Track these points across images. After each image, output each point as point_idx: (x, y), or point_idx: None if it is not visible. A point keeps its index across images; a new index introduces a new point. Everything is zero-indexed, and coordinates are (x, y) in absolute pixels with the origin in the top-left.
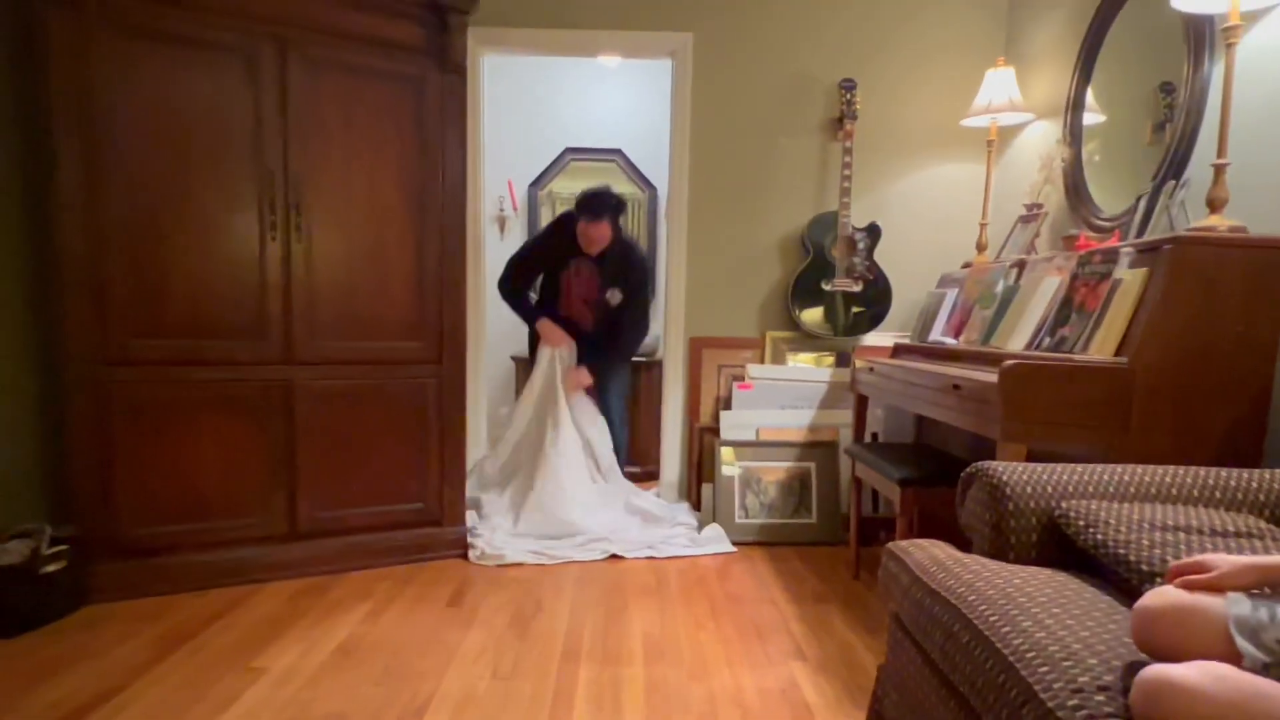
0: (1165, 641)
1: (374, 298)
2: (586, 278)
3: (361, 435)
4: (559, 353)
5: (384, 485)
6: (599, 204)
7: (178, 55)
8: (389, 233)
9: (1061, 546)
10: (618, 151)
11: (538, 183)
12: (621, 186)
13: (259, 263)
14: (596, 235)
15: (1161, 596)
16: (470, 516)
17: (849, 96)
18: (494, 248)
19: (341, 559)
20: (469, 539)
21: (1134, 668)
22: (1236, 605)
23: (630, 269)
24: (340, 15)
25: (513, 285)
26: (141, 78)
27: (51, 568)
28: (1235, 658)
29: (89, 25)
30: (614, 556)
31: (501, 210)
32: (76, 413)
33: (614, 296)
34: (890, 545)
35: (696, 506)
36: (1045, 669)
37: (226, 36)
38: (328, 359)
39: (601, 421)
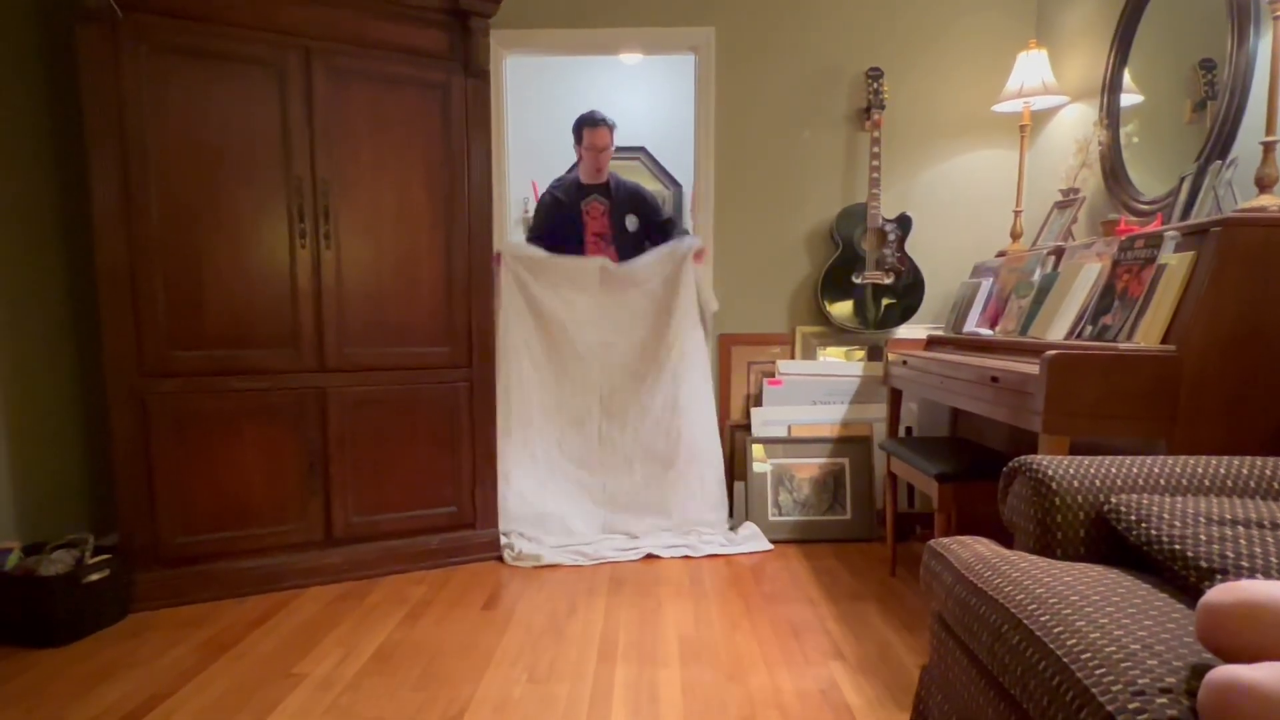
0: (1234, 640)
1: (403, 303)
2: (600, 214)
3: (394, 440)
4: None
5: (417, 489)
6: (590, 114)
7: (207, 69)
8: (417, 238)
9: (1110, 542)
10: (641, 149)
11: None
12: (647, 184)
13: (290, 271)
14: (600, 143)
15: (1231, 592)
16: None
17: (876, 85)
18: None
19: (377, 564)
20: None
21: (1199, 669)
22: None
23: (642, 199)
24: (364, 25)
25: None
26: (172, 92)
27: (95, 577)
28: None
29: (121, 41)
30: (649, 556)
31: (527, 212)
32: (118, 424)
33: (631, 222)
34: (932, 543)
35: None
36: (1102, 670)
37: (254, 49)
38: (359, 366)
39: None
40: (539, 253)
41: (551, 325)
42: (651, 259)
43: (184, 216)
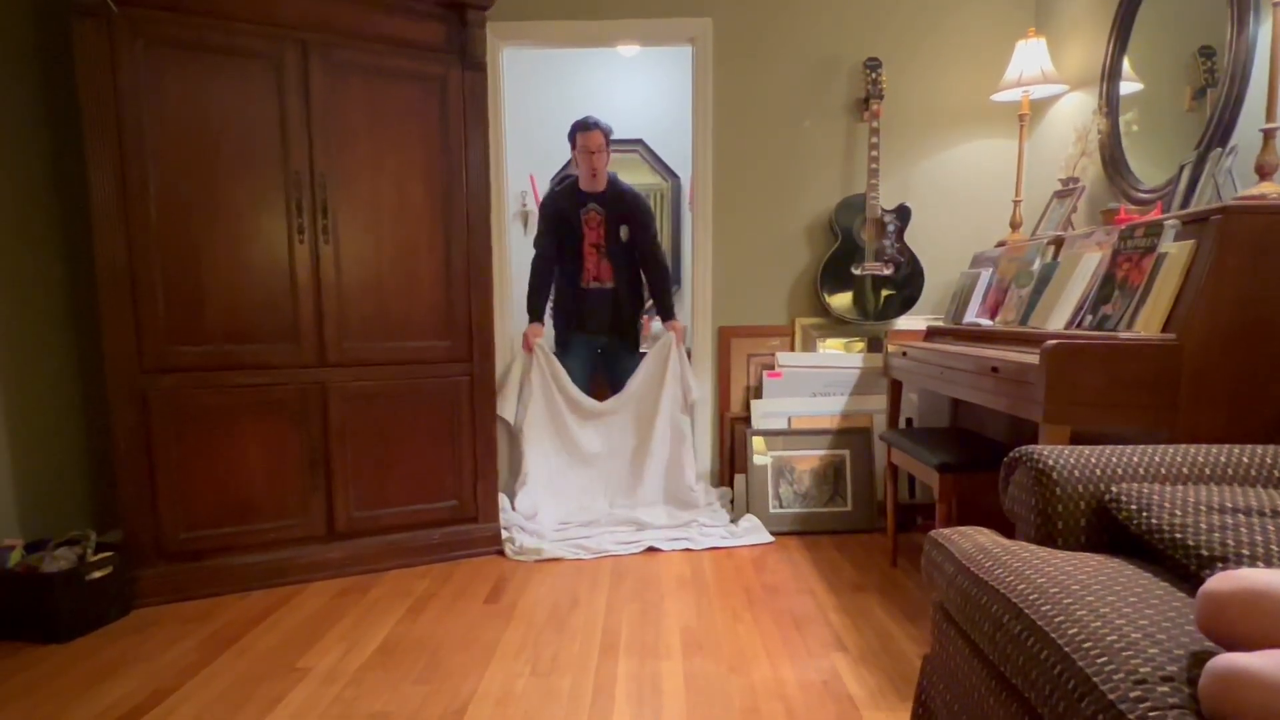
0: (1235, 628)
1: (403, 297)
2: (596, 223)
3: (395, 435)
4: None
5: (419, 484)
6: (584, 119)
7: (204, 63)
8: (415, 232)
9: (1111, 532)
10: (639, 142)
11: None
12: (645, 177)
13: (289, 266)
14: (593, 145)
15: (1231, 580)
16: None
17: (874, 75)
18: (518, 244)
19: (380, 558)
20: (503, 534)
21: (1200, 657)
22: None
23: (634, 210)
24: (362, 18)
25: (545, 265)
26: (170, 86)
27: (98, 573)
28: None
29: (117, 36)
30: (651, 549)
31: (525, 205)
32: (119, 421)
33: (624, 232)
34: (933, 533)
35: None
36: (1104, 659)
37: (252, 43)
38: (359, 360)
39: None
40: (559, 368)
41: (562, 424)
42: (640, 378)
43: (182, 211)
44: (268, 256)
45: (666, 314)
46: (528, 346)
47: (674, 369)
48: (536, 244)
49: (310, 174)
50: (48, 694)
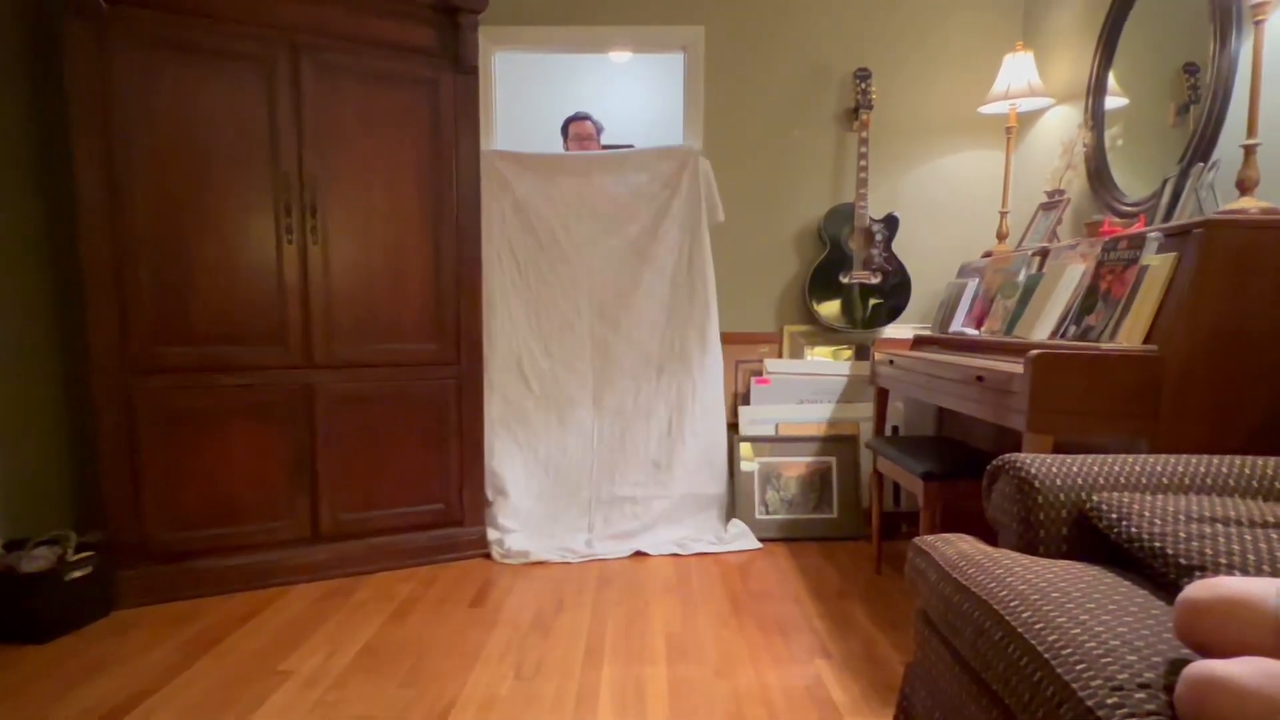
0: (1212, 636)
1: (391, 300)
2: None
3: (382, 437)
4: None
5: (405, 486)
6: (575, 112)
7: (194, 64)
8: (405, 234)
9: (1093, 540)
10: (630, 147)
11: None
12: None
13: (277, 267)
14: (585, 132)
15: (1208, 588)
16: None
17: (864, 86)
18: None
19: (365, 561)
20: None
21: (1177, 664)
22: None
23: None
24: (354, 21)
25: None
26: (159, 87)
27: (78, 573)
28: None
29: (108, 36)
30: (638, 554)
31: None
32: (104, 421)
33: None
34: (916, 540)
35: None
36: (1082, 666)
37: (243, 45)
38: (347, 362)
39: None
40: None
41: (539, 229)
42: (647, 152)
43: (171, 212)
44: (256, 258)
45: None
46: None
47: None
48: None
49: (300, 176)
50: (25, 696)
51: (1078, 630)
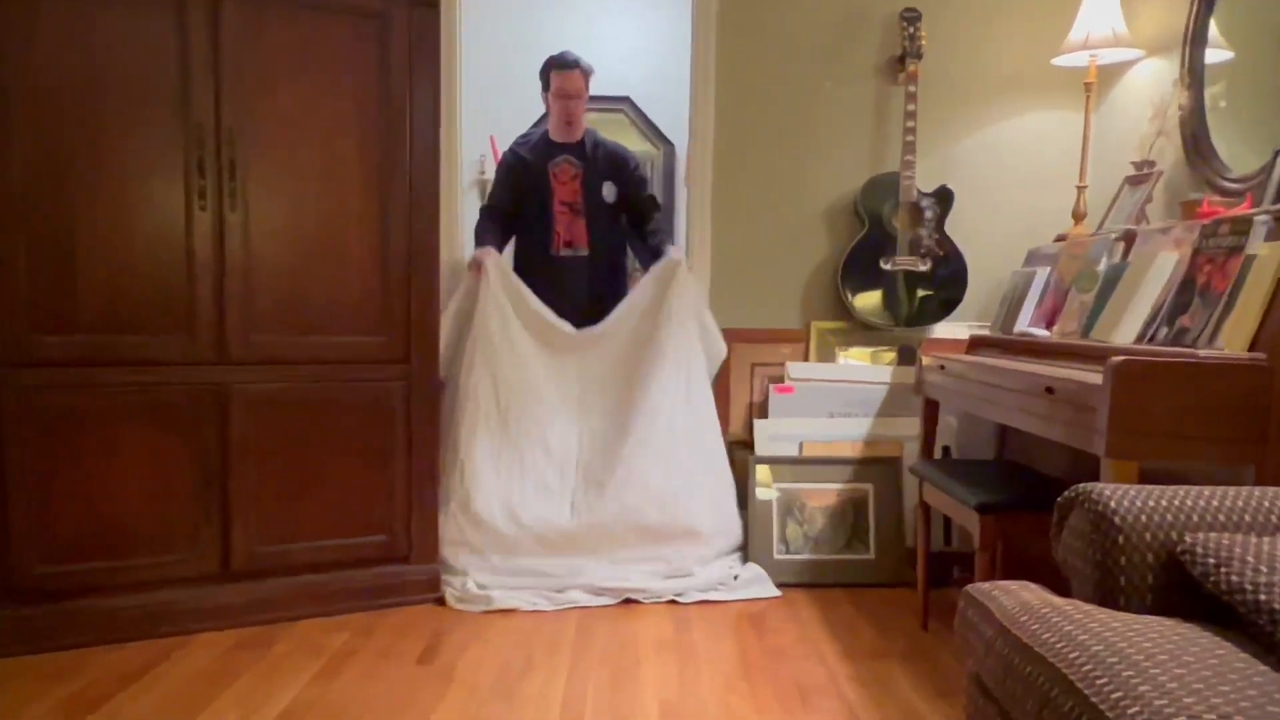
0: None
1: (327, 282)
2: (569, 177)
3: (312, 451)
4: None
5: (340, 513)
6: (561, 55)
7: None
8: (345, 201)
9: (1185, 590)
10: (625, 100)
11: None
12: (631, 142)
13: (185, 239)
14: (571, 88)
15: None
16: None
17: (912, 30)
18: (473, 218)
19: (288, 604)
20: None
21: None
22: None
23: (624, 165)
24: None
25: (494, 219)
26: (42, 19)
27: None
28: None
29: None
30: (628, 601)
31: (483, 173)
32: None
33: (608, 191)
34: (969, 588)
35: None
36: None
37: None
38: (270, 358)
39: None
40: (523, 286)
41: (527, 370)
42: (631, 302)
43: (55, 170)
44: (160, 227)
45: (659, 248)
46: (476, 266)
47: (681, 299)
48: (490, 200)
49: (216, 128)
50: None
51: (1164, 701)
